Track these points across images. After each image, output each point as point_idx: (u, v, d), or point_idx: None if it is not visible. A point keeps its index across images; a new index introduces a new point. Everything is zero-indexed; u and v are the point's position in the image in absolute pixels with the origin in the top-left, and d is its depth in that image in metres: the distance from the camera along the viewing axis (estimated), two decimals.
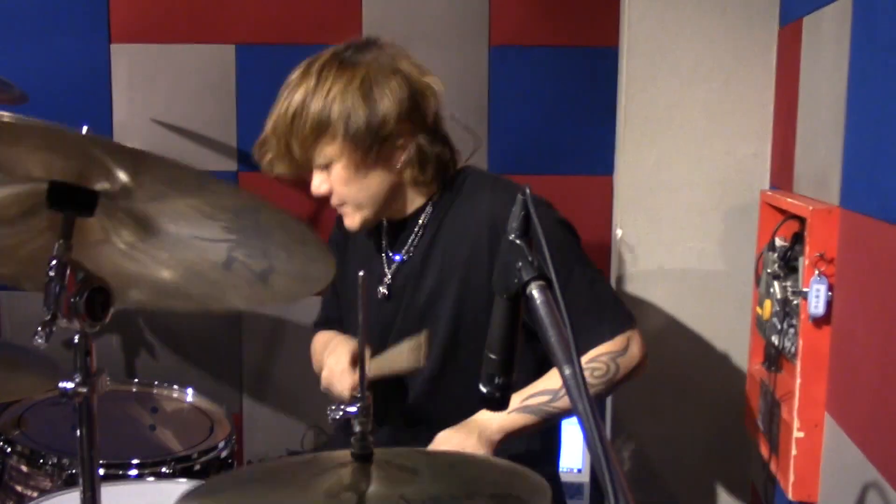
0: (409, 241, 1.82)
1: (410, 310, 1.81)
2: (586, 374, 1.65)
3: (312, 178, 1.75)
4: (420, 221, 1.81)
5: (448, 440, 1.67)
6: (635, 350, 1.73)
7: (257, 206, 1.17)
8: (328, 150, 1.69)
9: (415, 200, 1.81)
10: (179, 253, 1.23)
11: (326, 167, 1.72)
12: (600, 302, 1.74)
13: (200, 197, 1.14)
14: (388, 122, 1.69)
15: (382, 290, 1.83)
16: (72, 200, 1.10)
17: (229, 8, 2.64)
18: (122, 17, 2.65)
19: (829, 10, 1.92)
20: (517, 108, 2.64)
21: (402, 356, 1.71)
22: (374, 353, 1.74)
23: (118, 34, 2.65)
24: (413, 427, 1.83)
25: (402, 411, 1.86)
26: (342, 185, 1.73)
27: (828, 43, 1.92)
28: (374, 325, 1.80)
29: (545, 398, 1.69)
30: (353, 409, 1.19)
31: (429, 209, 1.81)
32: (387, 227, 1.87)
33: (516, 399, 1.67)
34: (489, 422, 1.67)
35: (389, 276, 1.84)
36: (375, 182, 1.74)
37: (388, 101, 1.69)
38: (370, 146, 1.69)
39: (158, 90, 2.68)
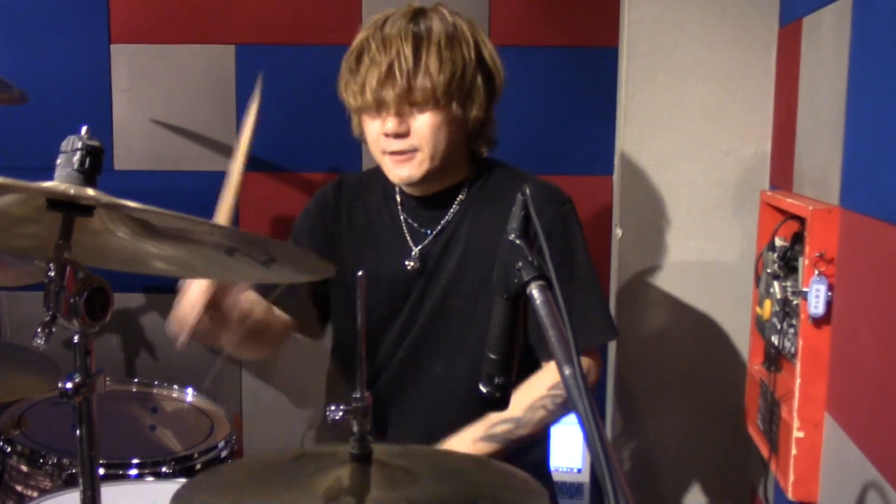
0: (442, 217, 1.79)
1: (435, 284, 1.78)
2: (547, 402, 1.66)
3: (387, 120, 1.68)
4: (460, 197, 1.79)
5: None
6: (591, 377, 1.75)
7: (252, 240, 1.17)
8: (441, 96, 1.66)
9: (456, 177, 1.79)
10: (181, 244, 1.23)
11: (419, 111, 1.67)
12: (597, 309, 1.75)
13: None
14: (494, 80, 1.75)
15: (410, 263, 1.78)
16: (71, 202, 1.10)
17: (229, 8, 2.64)
18: (122, 17, 2.64)
19: (829, 10, 1.92)
20: (517, 107, 2.64)
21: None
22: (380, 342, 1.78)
23: (118, 34, 2.65)
24: (427, 421, 1.82)
25: (413, 406, 1.83)
26: (433, 130, 1.68)
27: (828, 43, 1.92)
28: (399, 296, 1.79)
29: (509, 426, 1.69)
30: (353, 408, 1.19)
31: (467, 187, 1.80)
32: (406, 199, 1.82)
33: (481, 427, 1.69)
34: (460, 446, 1.68)
35: (416, 251, 1.79)
36: (455, 138, 1.72)
37: (499, 65, 1.75)
38: (478, 103, 1.72)
39: (158, 90, 2.68)
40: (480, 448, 1.68)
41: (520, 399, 1.68)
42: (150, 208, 1.04)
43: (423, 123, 1.67)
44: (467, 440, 1.69)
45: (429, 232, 1.80)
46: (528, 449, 1.81)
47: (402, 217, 1.82)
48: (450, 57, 1.66)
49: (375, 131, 1.71)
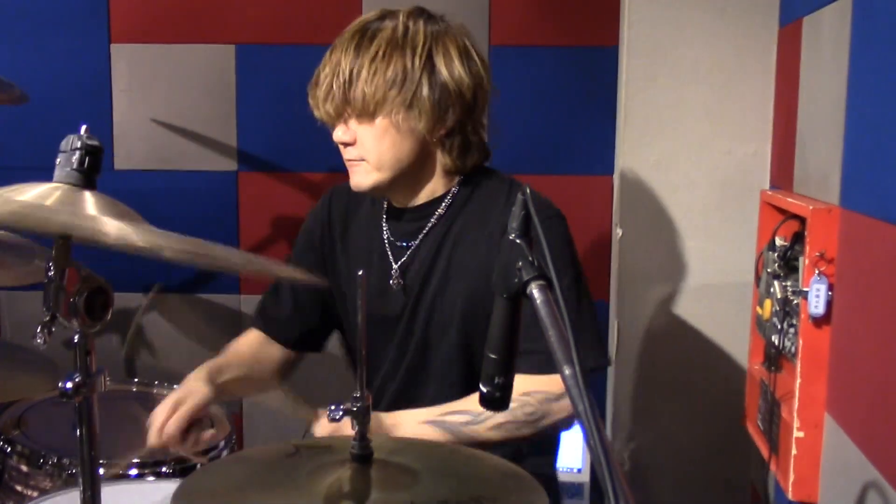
0: (421, 229, 1.76)
1: (419, 302, 1.75)
2: (514, 405, 1.42)
3: (337, 126, 1.68)
4: (438, 212, 1.75)
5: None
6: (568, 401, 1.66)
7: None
8: (381, 105, 1.63)
9: (433, 190, 1.75)
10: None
11: (364, 120, 1.65)
12: (577, 327, 1.67)
13: None
14: (462, 91, 1.67)
15: (392, 281, 1.76)
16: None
17: (229, 8, 2.64)
18: (122, 17, 2.64)
19: (829, 10, 1.92)
20: (517, 108, 2.64)
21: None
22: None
23: (118, 34, 2.65)
24: None
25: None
26: (376, 140, 1.66)
27: (828, 43, 1.92)
28: (379, 314, 1.74)
29: (464, 418, 1.60)
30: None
31: (447, 201, 1.75)
32: (390, 212, 1.81)
33: (435, 411, 1.62)
34: (397, 426, 1.60)
35: (396, 267, 1.77)
36: (408, 149, 1.67)
37: (472, 69, 1.68)
38: (428, 107, 1.64)
39: (158, 90, 2.68)
40: (426, 432, 1.59)
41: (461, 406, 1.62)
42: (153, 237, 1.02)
43: (365, 133, 1.66)
44: (415, 419, 1.62)
45: (406, 244, 1.77)
46: (537, 462, 1.78)
47: (384, 229, 1.80)
48: (384, 67, 1.61)
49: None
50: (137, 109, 2.68)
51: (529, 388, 1.59)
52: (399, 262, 1.77)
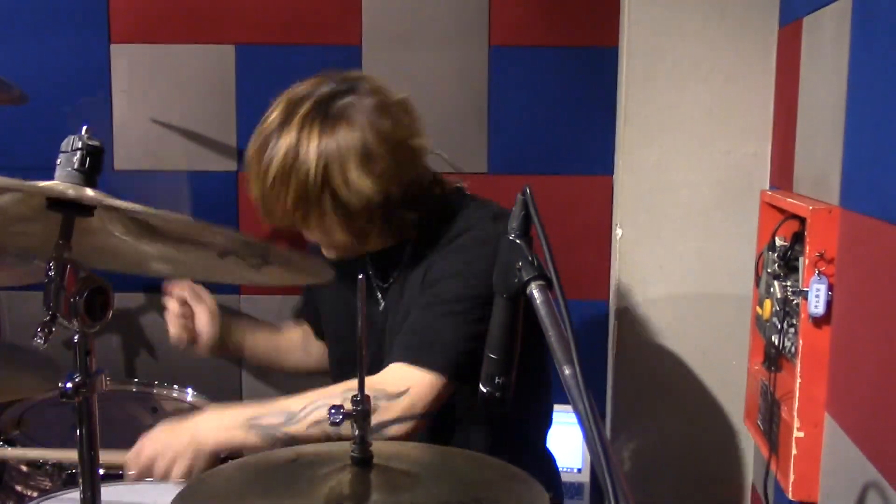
0: (395, 268, 1.78)
1: (391, 334, 1.76)
2: (338, 401, 1.32)
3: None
4: (406, 251, 1.75)
5: (157, 437, 1.57)
6: (408, 402, 1.55)
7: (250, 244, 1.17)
8: (309, 213, 1.62)
9: (399, 232, 1.73)
10: (178, 244, 1.24)
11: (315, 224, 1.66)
12: (435, 328, 1.61)
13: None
14: (371, 199, 1.59)
15: (374, 320, 1.79)
16: (71, 203, 1.10)
17: (229, 8, 2.63)
18: (122, 17, 2.64)
19: (829, 10, 1.92)
20: (517, 108, 2.64)
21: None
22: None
23: (118, 34, 2.65)
24: None
25: None
26: (312, 235, 1.70)
27: (828, 43, 1.92)
28: (372, 349, 1.76)
29: (278, 420, 1.56)
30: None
31: (411, 243, 1.74)
32: (370, 257, 1.81)
33: (248, 412, 1.59)
34: (207, 431, 1.57)
35: (382, 304, 1.80)
36: (349, 239, 1.67)
37: (373, 177, 1.58)
38: (350, 216, 1.62)
39: (158, 90, 2.68)
40: (234, 437, 1.56)
41: (308, 395, 1.59)
42: (148, 210, 1.04)
43: (302, 224, 1.67)
44: (222, 423, 1.59)
45: (384, 285, 1.81)
46: (526, 437, 1.81)
47: (369, 271, 1.82)
48: (284, 195, 1.59)
49: None
50: (137, 109, 2.68)
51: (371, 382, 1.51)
52: (383, 300, 1.81)
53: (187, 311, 1.89)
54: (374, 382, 1.52)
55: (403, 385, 1.56)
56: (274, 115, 1.64)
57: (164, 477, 1.54)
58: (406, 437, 1.54)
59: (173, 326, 1.89)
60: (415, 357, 1.59)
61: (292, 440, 1.53)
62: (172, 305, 1.88)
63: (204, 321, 1.88)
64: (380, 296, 1.82)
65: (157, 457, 1.55)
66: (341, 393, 1.52)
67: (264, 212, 1.66)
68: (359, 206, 1.60)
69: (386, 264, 1.80)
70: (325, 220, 1.63)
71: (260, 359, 2.08)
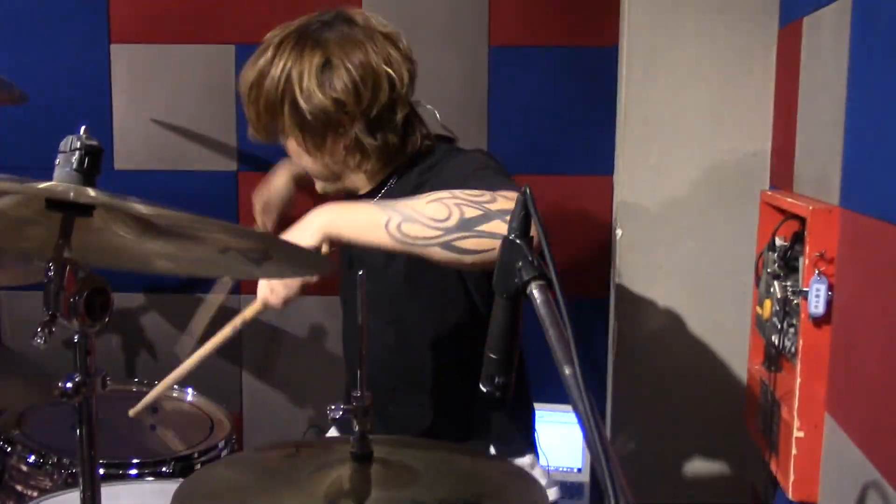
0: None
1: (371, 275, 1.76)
2: (460, 197, 1.40)
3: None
4: (381, 193, 1.75)
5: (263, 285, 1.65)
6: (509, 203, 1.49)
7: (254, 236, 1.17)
8: (279, 124, 1.72)
9: (372, 177, 1.75)
10: (180, 241, 1.24)
11: (287, 137, 1.74)
12: (485, 174, 1.60)
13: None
14: (329, 113, 1.65)
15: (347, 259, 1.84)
16: (70, 203, 1.10)
17: (229, 8, 2.64)
18: (122, 17, 2.65)
19: (829, 10, 1.92)
20: (517, 108, 2.64)
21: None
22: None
23: (118, 34, 2.65)
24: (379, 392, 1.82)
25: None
26: (296, 157, 1.76)
27: (828, 43, 1.92)
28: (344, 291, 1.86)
29: (405, 200, 1.50)
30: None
31: (391, 183, 1.75)
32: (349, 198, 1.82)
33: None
34: (324, 209, 1.55)
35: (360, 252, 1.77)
36: (321, 162, 1.73)
37: (331, 91, 1.65)
38: (312, 131, 1.69)
39: (158, 90, 2.68)
40: (367, 208, 1.54)
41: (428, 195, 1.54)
42: (148, 207, 1.04)
43: (290, 151, 1.77)
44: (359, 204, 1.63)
45: None
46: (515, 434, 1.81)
47: None
48: (255, 106, 1.71)
49: None
50: (137, 109, 2.68)
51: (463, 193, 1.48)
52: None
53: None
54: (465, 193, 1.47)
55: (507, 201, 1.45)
56: (261, 46, 1.78)
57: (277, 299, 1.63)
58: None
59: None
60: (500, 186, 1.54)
61: (412, 218, 1.45)
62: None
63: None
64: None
65: (273, 288, 1.62)
66: (463, 192, 1.47)
67: (250, 127, 1.77)
68: (316, 116, 1.66)
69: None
70: (291, 133, 1.71)
71: None
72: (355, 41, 1.69)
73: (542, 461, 1.94)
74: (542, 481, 1.77)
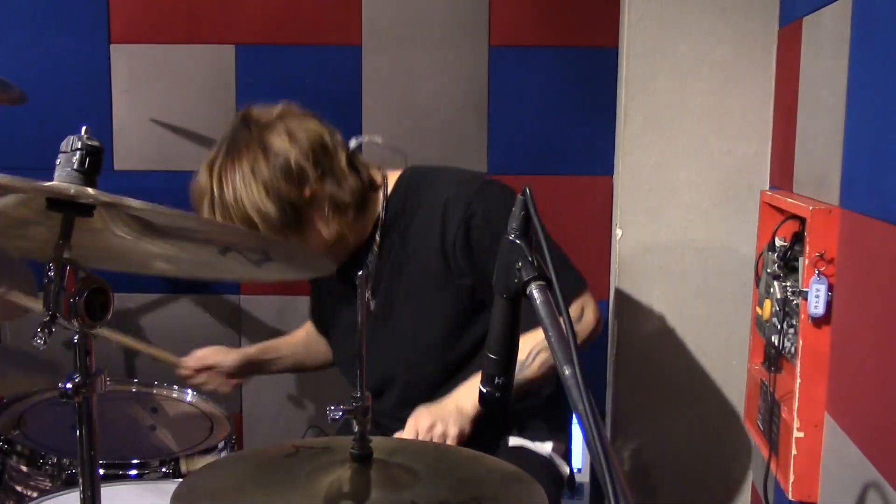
0: (368, 255, 1.87)
1: (379, 315, 1.87)
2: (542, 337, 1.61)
3: None
4: (376, 237, 1.86)
5: (423, 415, 1.71)
6: (590, 315, 1.77)
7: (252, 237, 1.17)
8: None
9: (365, 226, 1.85)
10: (180, 242, 1.24)
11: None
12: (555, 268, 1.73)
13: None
14: (293, 196, 1.72)
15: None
16: (71, 202, 1.10)
17: (229, 8, 2.64)
18: (122, 17, 2.65)
19: (829, 10, 1.92)
20: (517, 108, 2.64)
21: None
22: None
23: (118, 34, 2.65)
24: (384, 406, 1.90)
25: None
26: (311, 248, 1.77)
27: (828, 43, 1.92)
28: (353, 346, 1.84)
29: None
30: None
31: (379, 221, 1.85)
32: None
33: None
34: (466, 397, 1.72)
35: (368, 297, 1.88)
36: (315, 239, 1.77)
37: (240, 197, 1.71)
38: (292, 223, 1.72)
39: (158, 90, 2.68)
40: None
41: (524, 343, 1.68)
42: (149, 205, 1.04)
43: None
44: (473, 389, 1.69)
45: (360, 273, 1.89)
46: (547, 438, 1.90)
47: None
48: (223, 220, 1.71)
49: None
50: (137, 109, 2.68)
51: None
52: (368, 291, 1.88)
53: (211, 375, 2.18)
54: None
55: (576, 311, 1.76)
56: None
57: (442, 439, 1.69)
58: (600, 332, 1.80)
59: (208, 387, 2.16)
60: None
61: (530, 383, 1.74)
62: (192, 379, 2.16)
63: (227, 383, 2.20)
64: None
65: (436, 422, 1.69)
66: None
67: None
68: (252, 218, 1.70)
69: (358, 259, 1.88)
70: (296, 227, 1.74)
71: (288, 369, 2.31)
72: (267, 128, 1.76)
73: (576, 462, 2.02)
74: (562, 466, 1.90)
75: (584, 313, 1.76)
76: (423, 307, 1.83)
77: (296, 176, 1.72)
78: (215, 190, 1.74)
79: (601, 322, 1.80)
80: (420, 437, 1.68)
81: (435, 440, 1.69)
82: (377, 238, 1.86)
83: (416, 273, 1.83)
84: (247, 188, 1.71)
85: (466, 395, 1.73)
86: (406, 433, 1.70)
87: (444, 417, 1.70)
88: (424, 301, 1.83)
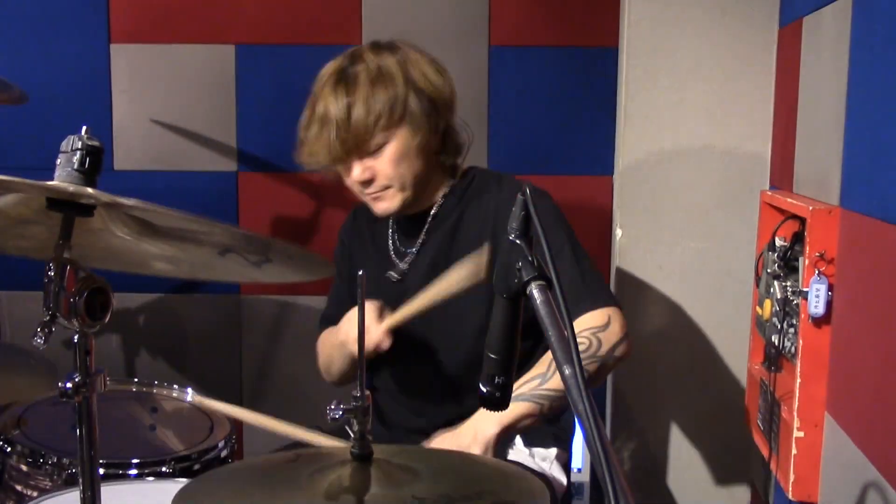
0: (421, 234, 1.90)
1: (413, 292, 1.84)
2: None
3: (353, 168, 1.80)
4: (432, 212, 1.90)
5: (442, 441, 1.70)
6: (616, 327, 1.71)
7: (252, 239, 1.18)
8: (384, 133, 1.76)
9: (433, 193, 1.89)
10: (180, 243, 1.24)
11: (375, 152, 1.78)
12: (584, 277, 1.77)
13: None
14: (443, 101, 1.81)
15: (395, 283, 1.91)
16: (71, 202, 1.10)
17: (229, 8, 2.64)
18: (122, 17, 2.64)
19: (829, 10, 1.92)
20: (517, 108, 2.64)
21: (460, 274, 1.71)
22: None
23: (118, 34, 2.65)
24: (418, 421, 1.89)
25: (412, 408, 1.93)
26: (393, 165, 1.79)
27: (828, 43, 1.92)
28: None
29: (535, 382, 1.69)
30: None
31: (440, 202, 1.90)
32: (396, 225, 1.96)
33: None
34: (485, 419, 1.68)
35: (403, 270, 1.91)
36: (420, 163, 1.82)
37: (447, 79, 1.83)
38: (422, 124, 1.78)
39: (158, 90, 2.68)
40: (510, 410, 1.58)
41: (544, 358, 1.72)
42: (149, 206, 1.04)
43: (383, 164, 1.79)
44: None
45: (411, 251, 1.92)
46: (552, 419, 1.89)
47: (390, 241, 1.96)
48: (373, 100, 1.75)
49: (348, 180, 1.85)
50: (137, 109, 2.68)
51: (576, 327, 1.68)
52: (404, 266, 1.92)
53: None
54: (579, 325, 1.69)
55: (602, 318, 1.71)
56: (335, 61, 1.84)
57: None
58: (629, 354, 1.73)
59: None
60: (588, 305, 1.72)
61: (555, 395, 1.68)
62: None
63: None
64: (398, 261, 1.93)
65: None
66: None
67: (344, 132, 1.76)
68: (437, 104, 1.80)
69: (411, 228, 1.92)
70: (409, 130, 1.78)
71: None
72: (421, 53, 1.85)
73: (576, 461, 2.01)
74: (561, 477, 1.88)
75: (610, 321, 1.71)
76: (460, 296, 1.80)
77: (447, 95, 1.82)
78: (372, 61, 1.78)
79: (631, 341, 1.73)
80: None
81: None
82: (430, 219, 1.90)
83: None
84: (411, 64, 1.79)
85: (486, 419, 1.69)
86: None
87: (463, 446, 1.66)
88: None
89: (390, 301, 1.83)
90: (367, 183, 1.81)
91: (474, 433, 1.67)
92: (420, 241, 1.91)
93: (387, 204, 1.84)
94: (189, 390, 2.13)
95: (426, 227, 1.91)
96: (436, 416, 1.86)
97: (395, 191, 1.82)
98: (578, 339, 1.69)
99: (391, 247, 1.96)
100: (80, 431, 1.10)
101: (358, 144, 1.76)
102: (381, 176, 1.80)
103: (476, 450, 1.65)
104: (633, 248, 2.48)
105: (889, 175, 1.56)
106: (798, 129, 2.11)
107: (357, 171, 1.80)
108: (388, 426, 1.96)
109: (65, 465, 1.72)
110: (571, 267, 1.76)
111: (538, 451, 1.89)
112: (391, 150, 1.78)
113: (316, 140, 1.78)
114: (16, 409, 1.92)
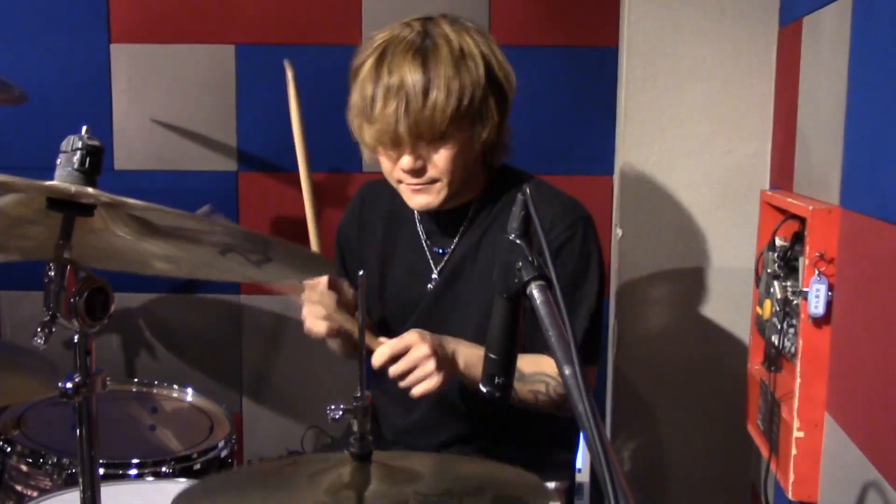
0: (455, 234, 1.80)
1: (456, 303, 1.79)
2: (551, 381, 1.65)
3: (405, 154, 1.65)
4: (468, 214, 1.78)
5: (423, 339, 1.59)
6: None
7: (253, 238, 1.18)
8: (454, 125, 1.61)
9: (466, 192, 1.77)
10: (180, 243, 1.24)
11: (435, 142, 1.63)
12: (585, 335, 1.72)
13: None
14: (506, 94, 1.69)
15: (430, 285, 1.81)
16: (71, 202, 1.10)
17: (229, 8, 2.64)
18: (122, 17, 2.64)
19: (829, 10, 1.92)
20: (517, 107, 2.63)
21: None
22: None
23: (118, 34, 2.65)
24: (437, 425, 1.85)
25: (425, 413, 1.86)
26: (450, 160, 1.65)
27: (828, 43, 1.92)
28: (422, 317, 1.78)
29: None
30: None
31: (476, 204, 1.79)
32: (426, 219, 1.83)
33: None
34: (464, 354, 1.63)
35: (437, 270, 1.82)
36: (471, 160, 1.70)
37: (511, 77, 1.69)
38: (493, 122, 1.67)
39: (158, 90, 2.68)
40: (476, 374, 1.51)
41: (533, 361, 1.66)
42: (150, 205, 1.04)
43: (440, 157, 1.65)
44: (472, 356, 1.63)
45: (443, 251, 1.82)
46: (556, 452, 1.90)
47: (421, 237, 1.84)
48: (458, 87, 1.60)
49: (390, 163, 1.69)
50: (137, 109, 2.68)
51: (545, 367, 1.66)
52: (438, 267, 1.82)
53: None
54: (550, 368, 1.65)
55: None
56: (406, 27, 1.68)
57: (422, 376, 1.57)
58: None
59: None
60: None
61: (514, 398, 1.65)
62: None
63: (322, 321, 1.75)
64: (433, 263, 1.82)
65: (431, 357, 1.56)
66: (532, 371, 1.67)
67: (418, 111, 1.59)
68: (507, 99, 1.68)
69: (446, 228, 1.80)
70: (480, 124, 1.65)
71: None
72: (484, 35, 1.72)
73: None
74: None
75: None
76: (484, 300, 1.77)
77: (513, 93, 1.71)
78: (454, 40, 1.62)
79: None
80: (408, 355, 1.56)
81: (416, 372, 1.57)
82: (469, 213, 1.78)
83: (490, 266, 1.77)
84: (491, 50, 1.67)
85: (466, 353, 1.63)
86: (397, 342, 1.58)
87: (441, 357, 1.57)
88: (488, 293, 1.77)
89: (426, 309, 1.79)
90: (416, 173, 1.66)
91: (451, 355, 1.61)
92: (452, 242, 1.81)
93: (430, 199, 1.69)
94: (189, 390, 2.13)
95: (462, 228, 1.79)
96: (443, 424, 1.83)
97: (442, 186, 1.68)
98: (540, 380, 1.68)
99: (426, 248, 1.83)
100: (80, 431, 1.10)
101: (427, 130, 1.59)
102: (433, 169, 1.65)
103: (441, 373, 1.56)
104: (633, 248, 2.48)
105: (889, 175, 1.56)
106: (798, 128, 2.11)
107: (407, 160, 1.64)
108: (388, 427, 1.94)
109: (65, 465, 1.72)
110: (579, 316, 1.71)
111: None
112: (454, 143, 1.63)
113: (380, 115, 1.60)
114: (16, 409, 1.92)
